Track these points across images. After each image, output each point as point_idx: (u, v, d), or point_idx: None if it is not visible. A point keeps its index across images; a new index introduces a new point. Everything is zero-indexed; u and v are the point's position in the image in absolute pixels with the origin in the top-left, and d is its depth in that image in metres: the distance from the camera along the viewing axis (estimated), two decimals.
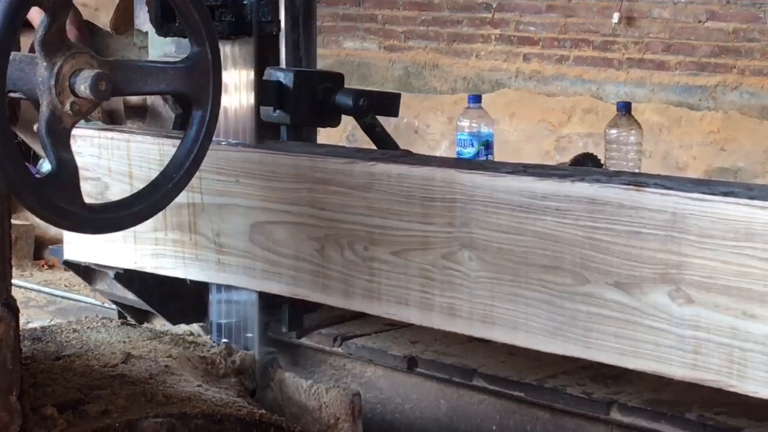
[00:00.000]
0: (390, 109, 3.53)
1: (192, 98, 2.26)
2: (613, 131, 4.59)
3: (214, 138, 2.38)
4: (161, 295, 3.47)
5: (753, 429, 2.68)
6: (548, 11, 7.46)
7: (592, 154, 4.54)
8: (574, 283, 2.48)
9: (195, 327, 3.36)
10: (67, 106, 2.12)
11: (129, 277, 3.44)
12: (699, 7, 6.89)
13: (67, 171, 2.11)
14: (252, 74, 3.13)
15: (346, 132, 7.53)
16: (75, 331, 3.17)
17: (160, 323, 3.58)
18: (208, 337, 3.26)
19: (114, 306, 3.84)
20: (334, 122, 3.39)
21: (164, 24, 3.06)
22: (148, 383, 2.80)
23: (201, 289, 3.38)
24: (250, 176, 2.98)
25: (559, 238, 2.48)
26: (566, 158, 7.73)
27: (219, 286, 3.25)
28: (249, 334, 3.22)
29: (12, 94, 2.14)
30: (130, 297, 3.56)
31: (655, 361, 2.41)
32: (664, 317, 2.36)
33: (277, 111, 3.28)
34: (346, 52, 8.19)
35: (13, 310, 2.41)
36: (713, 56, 6.85)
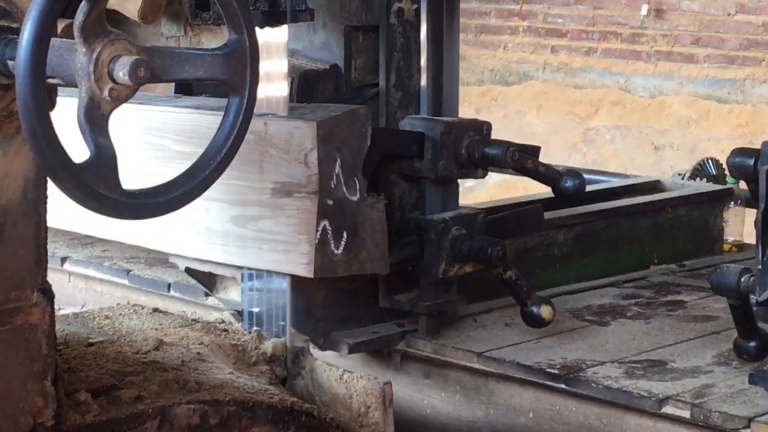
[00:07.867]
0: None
1: (229, 85, 2.27)
2: None
3: None
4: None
5: None
6: (577, 3, 7.44)
7: None
8: None
9: (226, 314, 3.36)
10: (106, 92, 2.12)
11: None
12: (728, 0, 6.86)
13: (105, 157, 2.11)
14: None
15: None
16: (107, 317, 3.18)
17: None
18: (240, 324, 3.27)
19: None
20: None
21: (199, 12, 3.08)
22: (180, 370, 2.81)
23: None
24: None
25: None
26: (593, 151, 7.71)
27: (251, 274, 3.26)
28: (281, 322, 3.23)
29: (50, 80, 2.15)
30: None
31: None
32: None
33: None
34: None
35: (49, 295, 2.42)
36: (742, 49, 6.83)
